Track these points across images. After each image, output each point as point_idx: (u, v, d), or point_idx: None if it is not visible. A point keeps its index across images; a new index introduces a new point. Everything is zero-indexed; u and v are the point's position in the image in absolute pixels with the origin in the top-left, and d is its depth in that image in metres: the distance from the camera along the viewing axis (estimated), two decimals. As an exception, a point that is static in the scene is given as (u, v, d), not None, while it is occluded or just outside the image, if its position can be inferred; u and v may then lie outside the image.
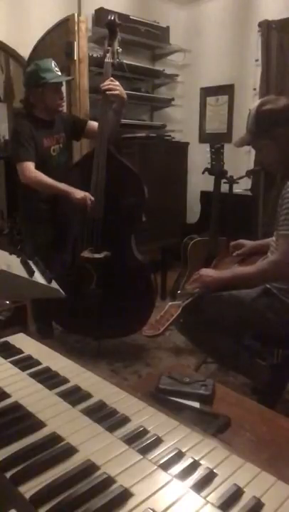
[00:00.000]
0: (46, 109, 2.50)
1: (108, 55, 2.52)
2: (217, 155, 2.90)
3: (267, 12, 4.08)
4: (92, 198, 2.41)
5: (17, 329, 1.13)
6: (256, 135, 1.78)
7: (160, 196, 4.07)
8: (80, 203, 2.39)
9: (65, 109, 2.82)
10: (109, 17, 2.54)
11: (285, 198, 1.68)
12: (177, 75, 4.85)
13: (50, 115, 2.55)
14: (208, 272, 1.82)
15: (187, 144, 4.80)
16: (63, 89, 2.70)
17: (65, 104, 2.76)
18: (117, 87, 2.47)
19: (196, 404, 1.07)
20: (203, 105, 4.83)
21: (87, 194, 2.40)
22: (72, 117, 2.86)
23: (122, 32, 2.60)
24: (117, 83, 2.49)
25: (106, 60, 2.51)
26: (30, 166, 2.41)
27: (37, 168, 2.45)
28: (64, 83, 2.82)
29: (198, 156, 4.27)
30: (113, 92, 2.45)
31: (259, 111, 1.74)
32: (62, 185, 2.43)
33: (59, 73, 2.49)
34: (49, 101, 2.47)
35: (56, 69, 2.47)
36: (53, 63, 2.46)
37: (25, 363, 0.95)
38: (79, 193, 2.40)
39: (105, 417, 0.75)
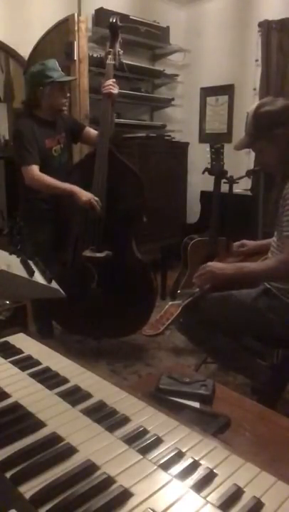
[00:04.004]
0: (50, 108, 2.51)
1: (110, 56, 2.55)
2: (217, 155, 2.89)
3: (267, 12, 4.09)
4: (97, 199, 2.41)
5: (17, 329, 1.13)
6: (255, 137, 1.78)
7: (160, 196, 4.07)
8: (87, 205, 2.40)
9: (66, 109, 2.82)
10: (111, 19, 2.56)
11: (286, 198, 1.68)
12: (177, 75, 4.85)
13: (53, 115, 2.55)
14: (213, 267, 1.80)
15: (187, 144, 4.80)
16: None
17: (67, 103, 2.78)
18: (117, 89, 2.53)
19: (196, 404, 1.07)
20: (203, 105, 4.83)
21: (92, 196, 2.41)
22: (72, 119, 2.87)
23: (122, 32, 2.62)
24: (116, 85, 2.53)
25: (108, 61, 2.54)
26: (34, 169, 2.43)
27: (39, 168, 2.45)
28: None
29: (198, 156, 4.27)
30: (114, 92, 2.50)
31: (257, 113, 1.75)
32: (67, 186, 2.44)
33: (62, 73, 2.51)
34: (54, 100, 2.48)
35: (60, 68, 2.49)
36: (57, 63, 2.48)
37: (25, 363, 0.95)
38: (85, 195, 2.40)
39: (105, 417, 0.75)
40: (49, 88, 2.44)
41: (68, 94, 2.64)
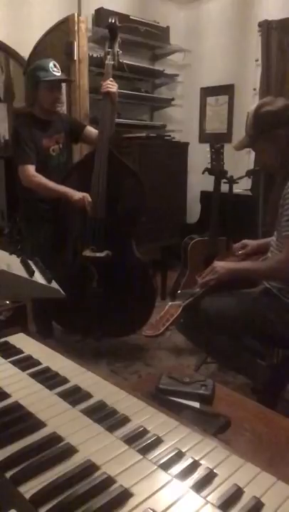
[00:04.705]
0: (42, 108, 2.52)
1: (109, 56, 2.57)
2: (217, 155, 2.90)
3: (267, 12, 4.08)
4: (90, 199, 2.42)
5: (17, 329, 1.13)
6: (255, 137, 1.78)
7: (160, 196, 4.07)
8: (79, 204, 2.41)
9: (65, 109, 2.83)
10: (109, 20, 2.57)
11: (286, 198, 1.68)
12: (177, 75, 4.85)
13: (47, 115, 2.55)
14: (221, 264, 1.83)
15: (187, 144, 4.80)
16: (63, 90, 2.71)
17: (62, 104, 2.78)
18: (115, 87, 2.54)
19: (196, 404, 1.07)
20: (203, 105, 4.83)
21: (85, 195, 2.42)
22: (71, 119, 2.88)
23: (122, 32, 2.63)
24: (114, 83, 2.54)
25: (107, 61, 2.55)
26: (30, 170, 2.44)
27: (37, 168, 2.46)
28: (64, 84, 2.82)
29: (198, 156, 4.26)
30: (114, 92, 2.51)
31: (257, 113, 1.75)
32: (62, 188, 2.46)
33: (57, 73, 2.49)
34: (43, 100, 2.49)
35: (55, 69, 2.47)
36: (52, 63, 2.47)
37: (25, 363, 0.95)
38: (77, 195, 2.42)
39: (105, 417, 0.75)
40: (38, 87, 2.45)
41: (61, 95, 2.63)
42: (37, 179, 2.44)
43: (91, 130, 2.71)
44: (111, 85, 2.51)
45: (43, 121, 2.54)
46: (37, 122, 2.52)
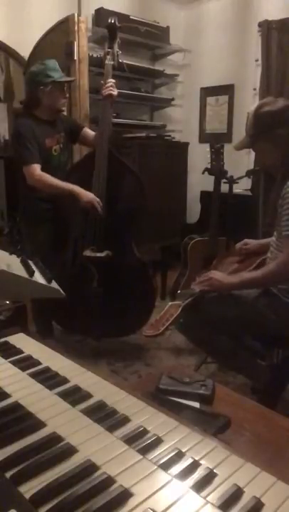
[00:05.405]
0: (50, 108, 2.51)
1: (109, 57, 2.57)
2: (217, 155, 2.90)
3: (267, 12, 4.09)
4: (98, 200, 2.42)
5: (17, 329, 1.13)
6: (256, 137, 1.79)
7: (160, 196, 4.07)
8: (88, 206, 2.41)
9: (65, 110, 2.84)
10: (109, 20, 2.57)
11: (285, 197, 1.68)
12: (177, 75, 4.85)
13: (52, 115, 2.55)
14: (217, 276, 1.80)
15: (187, 144, 4.80)
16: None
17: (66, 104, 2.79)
18: (115, 88, 2.54)
19: (196, 404, 1.07)
20: (203, 105, 4.83)
21: (93, 196, 2.42)
22: (71, 120, 2.89)
23: (122, 32, 2.63)
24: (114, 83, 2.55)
25: (106, 62, 2.56)
26: (36, 169, 2.43)
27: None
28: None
29: (198, 156, 4.27)
30: (114, 93, 2.52)
31: (257, 113, 1.75)
32: (69, 186, 2.45)
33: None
34: (54, 100, 2.48)
35: (60, 69, 2.50)
36: (57, 63, 2.49)
37: (25, 363, 0.95)
38: (87, 196, 2.41)
39: (105, 417, 0.75)
40: (50, 88, 2.44)
41: (67, 95, 2.66)
42: (44, 178, 2.43)
43: (89, 131, 2.72)
44: (113, 89, 2.52)
45: (45, 122, 2.54)
46: (39, 122, 2.51)
